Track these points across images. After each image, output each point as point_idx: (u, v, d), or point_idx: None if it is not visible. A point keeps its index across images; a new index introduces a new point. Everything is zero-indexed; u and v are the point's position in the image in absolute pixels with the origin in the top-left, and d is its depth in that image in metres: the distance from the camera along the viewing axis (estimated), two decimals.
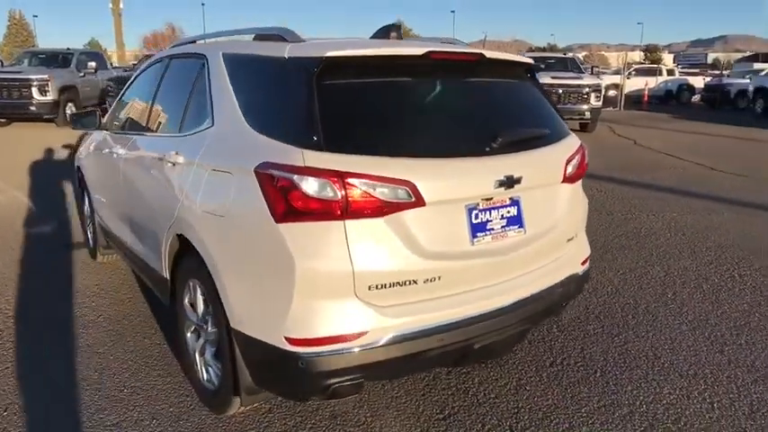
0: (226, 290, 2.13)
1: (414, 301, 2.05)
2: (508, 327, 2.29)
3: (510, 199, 2.27)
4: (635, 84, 22.55)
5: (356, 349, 1.95)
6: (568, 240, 2.59)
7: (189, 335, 2.71)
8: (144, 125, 3.28)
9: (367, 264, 1.93)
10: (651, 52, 67.64)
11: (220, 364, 2.37)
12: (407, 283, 2.01)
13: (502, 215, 2.25)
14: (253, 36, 2.66)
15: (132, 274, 4.29)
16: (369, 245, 1.94)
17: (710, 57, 63.37)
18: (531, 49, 53.79)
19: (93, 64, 14.53)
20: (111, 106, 15.02)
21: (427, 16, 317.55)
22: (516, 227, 2.29)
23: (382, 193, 1.92)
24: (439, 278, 2.07)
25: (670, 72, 25.95)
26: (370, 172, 1.91)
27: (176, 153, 2.59)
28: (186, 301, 2.66)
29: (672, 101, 23.30)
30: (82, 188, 4.73)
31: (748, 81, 19.86)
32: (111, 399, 2.69)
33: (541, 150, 2.38)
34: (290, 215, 1.91)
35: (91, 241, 4.65)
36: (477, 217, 2.17)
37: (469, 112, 2.33)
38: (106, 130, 4.03)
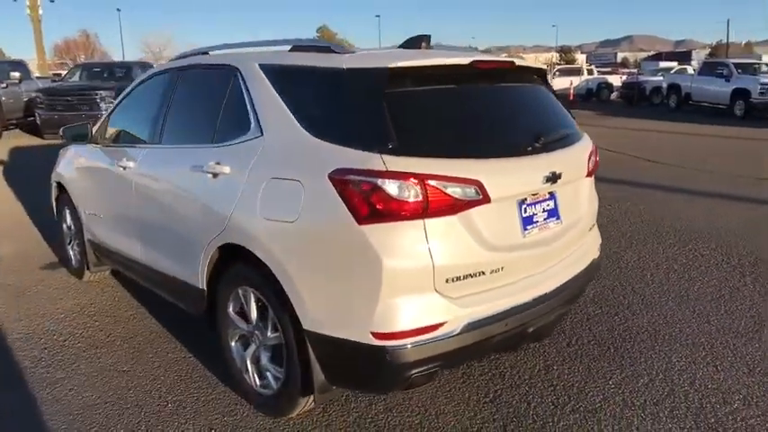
0: (298, 293, 2.20)
1: (481, 290, 2.21)
2: (554, 309, 2.51)
3: (549, 193, 2.49)
4: (560, 83, 23.84)
5: (437, 339, 2.09)
6: (589, 229, 2.85)
7: (234, 344, 2.74)
8: (158, 137, 3.23)
9: (444, 258, 2.08)
10: (565, 53, 71.41)
11: (283, 366, 2.42)
12: (477, 274, 2.17)
13: (543, 209, 2.46)
14: (289, 47, 2.72)
15: (128, 291, 4.18)
16: (445, 241, 2.09)
17: (619, 56, 67.95)
18: None
19: (16, 74, 13.67)
20: (40, 119, 14.16)
21: (352, 20, 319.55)
22: (554, 219, 2.51)
23: (455, 192, 2.08)
24: (502, 268, 2.24)
25: (589, 71, 27.60)
26: (445, 173, 2.05)
27: (217, 163, 2.61)
28: (231, 310, 2.69)
29: (593, 98, 24.78)
30: (62, 205, 4.54)
31: (662, 78, 21.52)
32: (159, 415, 2.67)
33: (572, 148, 2.62)
34: (372, 217, 2.02)
35: (74, 260, 4.48)
36: (525, 211, 2.37)
37: (511, 115, 2.54)
38: (96, 143, 3.92)
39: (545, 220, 2.46)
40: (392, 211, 2.01)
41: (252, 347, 2.62)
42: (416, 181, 2.01)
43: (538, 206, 2.43)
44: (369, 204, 2.02)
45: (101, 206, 3.84)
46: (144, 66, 16.15)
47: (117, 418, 2.65)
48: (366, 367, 2.14)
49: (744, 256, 4.65)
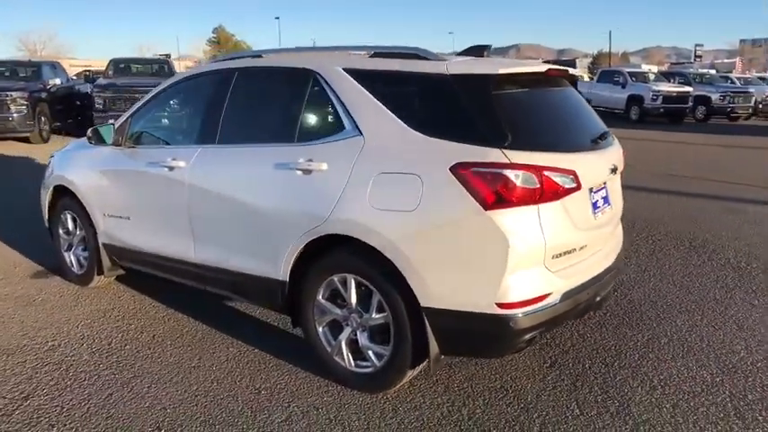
0: (419, 273, 2.46)
1: (572, 264, 2.60)
2: (611, 280, 2.96)
3: (603, 183, 2.94)
4: None
5: (544, 308, 2.45)
6: (621, 217, 3.35)
7: (321, 329, 2.91)
8: (213, 137, 3.29)
9: (552, 238, 2.44)
10: None
11: (390, 344, 2.65)
12: (571, 251, 2.56)
13: (602, 196, 2.90)
14: (370, 53, 2.94)
15: (145, 294, 4.11)
16: (552, 222, 2.45)
17: None
18: None
19: None
20: None
21: (251, 22, 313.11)
22: (608, 205, 2.96)
23: (560, 180, 2.45)
24: (586, 246, 2.65)
25: None
26: (554, 164, 2.42)
27: (309, 161, 2.78)
28: (320, 297, 2.87)
29: None
30: (61, 210, 4.35)
31: None
32: (258, 402, 2.78)
33: (615, 144, 3.09)
34: (498, 203, 2.34)
35: (76, 266, 4.32)
36: (593, 197, 2.80)
37: (574, 114, 2.96)
38: (118, 145, 3.86)
39: (603, 205, 2.90)
40: (515, 198, 2.35)
41: (347, 330, 2.82)
42: (536, 172, 2.36)
43: (599, 193, 2.86)
44: (495, 192, 2.34)
45: (131, 208, 3.78)
46: (54, 66, 15.06)
47: (218, 409, 2.73)
48: (488, 335, 2.45)
49: (693, 238, 5.45)
